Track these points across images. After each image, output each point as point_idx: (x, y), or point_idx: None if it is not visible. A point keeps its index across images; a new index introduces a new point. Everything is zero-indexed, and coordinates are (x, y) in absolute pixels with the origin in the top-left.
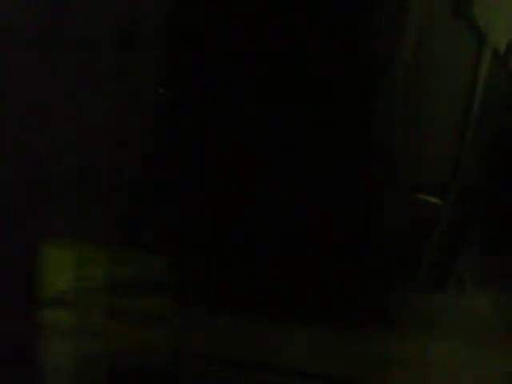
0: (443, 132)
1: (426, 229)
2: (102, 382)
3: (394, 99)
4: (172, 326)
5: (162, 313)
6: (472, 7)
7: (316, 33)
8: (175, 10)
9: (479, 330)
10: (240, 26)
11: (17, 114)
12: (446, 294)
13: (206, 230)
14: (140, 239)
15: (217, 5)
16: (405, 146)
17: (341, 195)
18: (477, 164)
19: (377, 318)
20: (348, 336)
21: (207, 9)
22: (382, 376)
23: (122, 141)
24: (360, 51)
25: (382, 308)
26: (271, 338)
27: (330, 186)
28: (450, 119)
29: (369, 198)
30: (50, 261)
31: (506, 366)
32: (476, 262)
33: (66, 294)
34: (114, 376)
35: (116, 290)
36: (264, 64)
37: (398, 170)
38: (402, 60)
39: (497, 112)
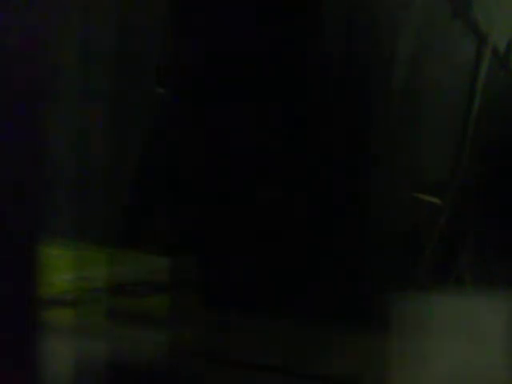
0: (443, 132)
1: (425, 229)
2: (102, 381)
3: (394, 98)
4: (172, 326)
5: (162, 313)
6: (472, 7)
7: (313, 32)
8: None
9: (479, 330)
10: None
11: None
12: (445, 294)
13: (206, 229)
14: (140, 239)
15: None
16: (405, 146)
17: (340, 195)
18: (477, 164)
19: (376, 319)
20: (347, 336)
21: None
22: (381, 376)
23: (122, 140)
24: (359, 50)
25: (382, 308)
26: (271, 338)
27: (329, 185)
28: (450, 119)
29: (368, 197)
30: (49, 261)
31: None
32: (476, 261)
33: (65, 294)
34: (114, 376)
35: (116, 290)
36: (263, 64)
37: (397, 169)
38: (401, 59)
39: (497, 112)
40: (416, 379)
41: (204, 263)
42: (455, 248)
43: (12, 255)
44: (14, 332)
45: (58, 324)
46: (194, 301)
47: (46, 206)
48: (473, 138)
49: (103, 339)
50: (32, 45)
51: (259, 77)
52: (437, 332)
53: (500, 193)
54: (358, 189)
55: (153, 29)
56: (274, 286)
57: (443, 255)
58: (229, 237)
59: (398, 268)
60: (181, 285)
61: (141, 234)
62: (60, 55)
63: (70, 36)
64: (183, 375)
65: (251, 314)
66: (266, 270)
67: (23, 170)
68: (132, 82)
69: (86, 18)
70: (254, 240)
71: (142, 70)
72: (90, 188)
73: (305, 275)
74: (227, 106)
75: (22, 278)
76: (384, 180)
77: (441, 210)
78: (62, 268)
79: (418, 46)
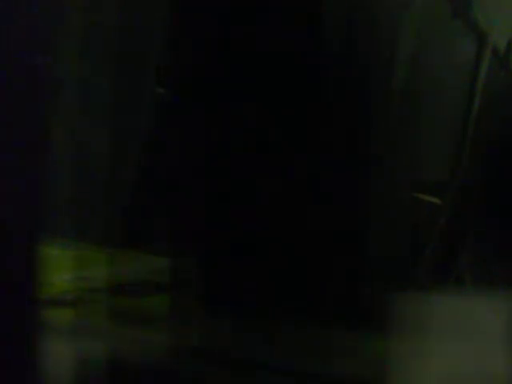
0: (443, 132)
1: (425, 229)
2: (102, 382)
3: (394, 98)
4: (172, 326)
5: (162, 313)
6: (472, 7)
7: (313, 31)
8: None
9: (479, 330)
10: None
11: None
12: (445, 294)
13: (206, 229)
14: (140, 239)
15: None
16: (405, 146)
17: (340, 194)
18: (477, 163)
19: (376, 319)
20: (346, 336)
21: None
22: (381, 376)
23: (121, 140)
24: (359, 50)
25: (382, 308)
26: (271, 338)
27: (329, 185)
28: (450, 119)
29: (368, 197)
30: (49, 261)
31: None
32: (476, 261)
33: (65, 294)
34: (114, 376)
35: (116, 290)
36: (262, 64)
37: (397, 169)
38: (401, 59)
39: (497, 112)
40: (416, 379)
41: (204, 263)
42: (455, 248)
43: (12, 255)
44: (14, 332)
45: (58, 324)
46: (193, 301)
47: (46, 206)
48: (473, 138)
49: (103, 339)
50: (32, 44)
51: (259, 77)
52: (437, 332)
53: (500, 193)
54: (358, 189)
55: (153, 29)
56: (273, 286)
57: (443, 255)
58: (229, 237)
59: (398, 268)
60: (181, 285)
61: (141, 234)
62: (59, 55)
63: (69, 36)
64: (183, 375)
65: (251, 314)
66: (265, 270)
67: (23, 170)
68: (132, 82)
69: (86, 17)
70: (253, 240)
71: (142, 70)
72: (90, 188)
73: (305, 275)
74: (227, 105)
75: (21, 277)
76: (384, 180)
77: (441, 209)
78: (62, 268)
79: (418, 46)
